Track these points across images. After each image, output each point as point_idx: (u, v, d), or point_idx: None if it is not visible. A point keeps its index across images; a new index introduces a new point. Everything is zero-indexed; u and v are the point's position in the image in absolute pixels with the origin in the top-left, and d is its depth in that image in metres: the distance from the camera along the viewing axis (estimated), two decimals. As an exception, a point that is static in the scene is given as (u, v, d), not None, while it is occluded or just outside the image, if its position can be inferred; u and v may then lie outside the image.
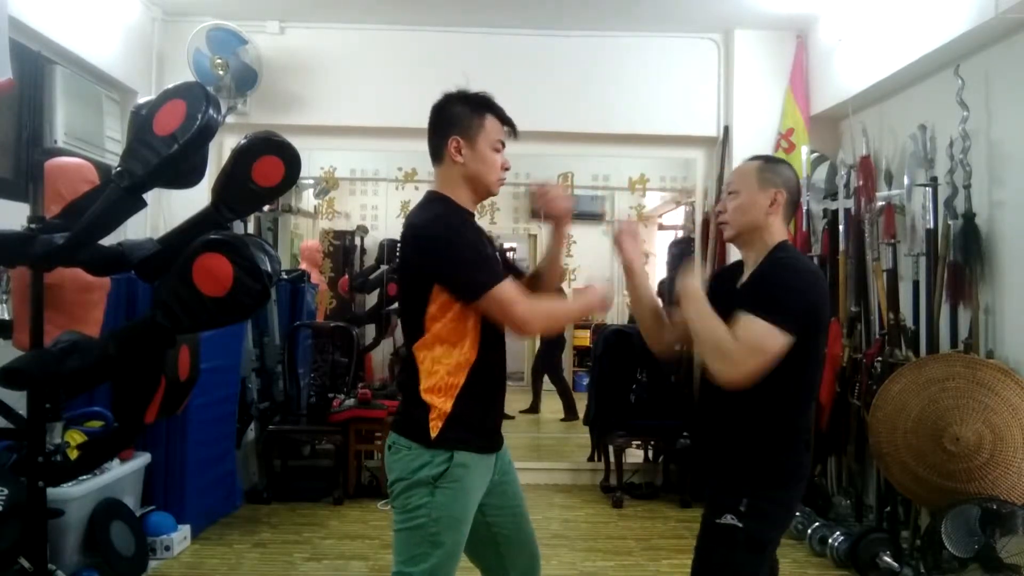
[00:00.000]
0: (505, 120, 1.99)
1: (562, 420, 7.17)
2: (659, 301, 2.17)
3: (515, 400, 7.16)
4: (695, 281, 1.90)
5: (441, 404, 1.86)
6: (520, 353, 8.08)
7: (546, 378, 7.61)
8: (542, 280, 2.15)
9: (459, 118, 1.94)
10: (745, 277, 1.97)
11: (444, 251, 1.84)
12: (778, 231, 1.94)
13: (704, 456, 2.07)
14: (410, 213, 1.97)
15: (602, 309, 2.09)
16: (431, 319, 1.87)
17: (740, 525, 1.81)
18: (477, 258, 1.86)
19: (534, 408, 7.65)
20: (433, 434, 1.85)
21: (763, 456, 1.87)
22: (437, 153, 1.97)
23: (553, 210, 2.09)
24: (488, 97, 1.98)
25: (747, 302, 1.80)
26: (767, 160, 2.02)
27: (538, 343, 7.64)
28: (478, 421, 1.91)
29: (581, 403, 6.33)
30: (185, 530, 3.80)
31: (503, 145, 1.98)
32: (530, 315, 1.87)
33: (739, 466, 1.88)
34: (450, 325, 1.86)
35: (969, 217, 3.41)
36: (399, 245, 2.01)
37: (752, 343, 1.75)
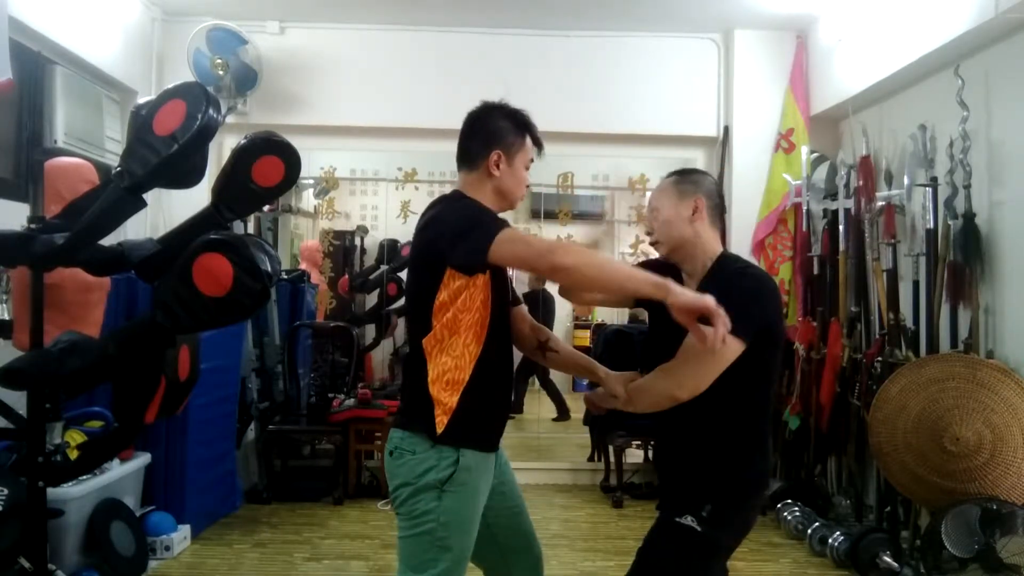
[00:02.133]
0: (537, 142, 2.03)
1: (554, 420, 7.17)
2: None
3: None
4: (618, 388, 1.95)
5: (447, 399, 1.84)
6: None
7: (534, 380, 7.58)
8: (552, 347, 2.13)
9: (504, 133, 1.96)
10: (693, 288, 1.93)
11: (457, 212, 1.85)
12: (710, 239, 1.95)
13: (663, 465, 2.09)
14: (436, 207, 1.95)
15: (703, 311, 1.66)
16: (440, 308, 1.84)
17: (699, 528, 1.82)
18: (483, 219, 1.83)
19: (517, 408, 7.62)
20: (439, 430, 1.83)
21: (725, 468, 1.88)
22: (473, 160, 1.97)
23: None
24: (528, 116, 2.01)
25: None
26: (681, 173, 2.04)
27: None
28: (484, 417, 1.90)
29: (580, 402, 6.32)
30: (185, 530, 3.80)
31: (531, 164, 2.03)
32: (551, 246, 1.77)
33: (700, 478, 1.89)
34: (459, 316, 1.84)
35: (969, 217, 3.41)
36: (412, 241, 2.00)
37: (691, 358, 1.77)
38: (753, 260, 3.41)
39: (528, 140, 2.00)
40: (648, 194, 5.53)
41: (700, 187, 1.97)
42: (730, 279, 1.87)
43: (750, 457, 1.90)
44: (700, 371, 1.77)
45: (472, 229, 1.79)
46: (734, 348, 1.76)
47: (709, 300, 1.64)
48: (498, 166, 1.94)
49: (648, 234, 2.03)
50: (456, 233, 1.80)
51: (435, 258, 1.84)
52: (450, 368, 1.85)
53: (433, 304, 1.85)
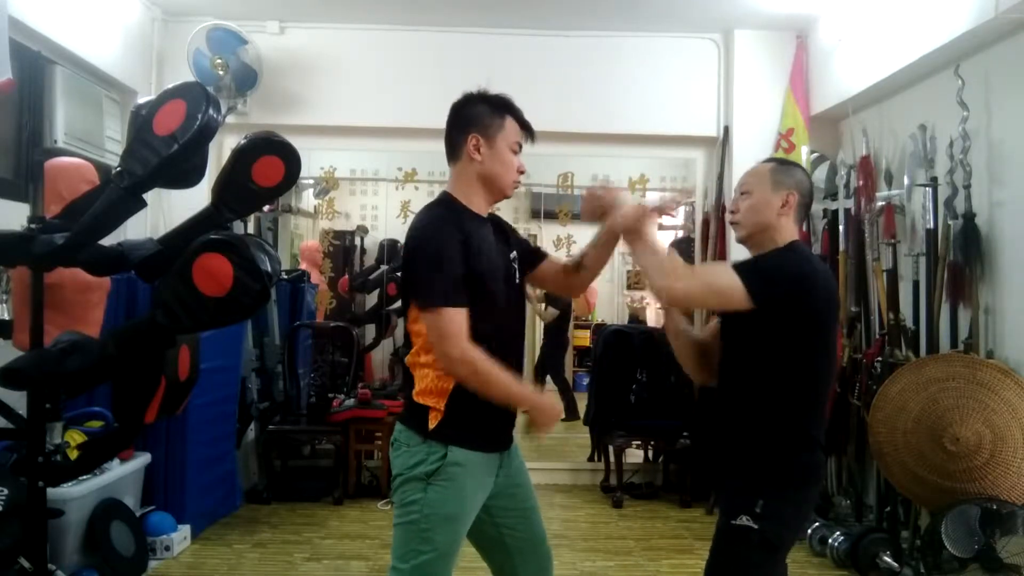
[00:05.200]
0: (523, 123, 1.99)
1: (563, 420, 7.18)
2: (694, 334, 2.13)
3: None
4: (649, 227, 1.92)
5: (436, 404, 1.87)
6: (523, 352, 8.05)
7: (548, 378, 7.60)
8: (585, 262, 2.12)
9: (479, 116, 1.94)
10: None
11: (418, 253, 1.86)
12: (789, 232, 1.95)
13: (715, 459, 2.09)
14: (415, 218, 1.96)
15: (543, 423, 1.91)
16: (413, 322, 1.90)
17: (755, 526, 1.82)
18: (444, 271, 1.81)
19: None
20: (430, 427, 1.86)
21: (775, 457, 1.87)
22: (454, 151, 1.97)
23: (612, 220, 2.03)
24: (508, 99, 1.98)
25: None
26: (780, 162, 2.05)
27: (540, 343, 7.63)
28: (478, 419, 1.90)
29: (581, 403, 6.33)
30: (185, 530, 3.80)
31: (520, 147, 1.99)
32: (462, 356, 1.79)
33: (752, 468, 1.89)
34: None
35: (969, 217, 3.41)
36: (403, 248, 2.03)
37: (704, 272, 1.78)
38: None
39: (509, 121, 1.95)
40: (649, 194, 5.54)
41: (796, 182, 1.97)
42: (779, 251, 1.89)
43: (801, 444, 1.89)
44: (694, 284, 1.81)
45: (434, 274, 1.81)
46: (737, 287, 1.77)
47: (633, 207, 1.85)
48: (478, 150, 1.93)
49: (732, 212, 2.02)
50: (421, 266, 1.84)
51: (404, 279, 1.90)
52: (432, 379, 1.88)
53: (407, 318, 1.92)
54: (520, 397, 1.90)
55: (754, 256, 1.95)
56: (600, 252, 2.10)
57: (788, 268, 1.85)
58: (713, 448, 2.14)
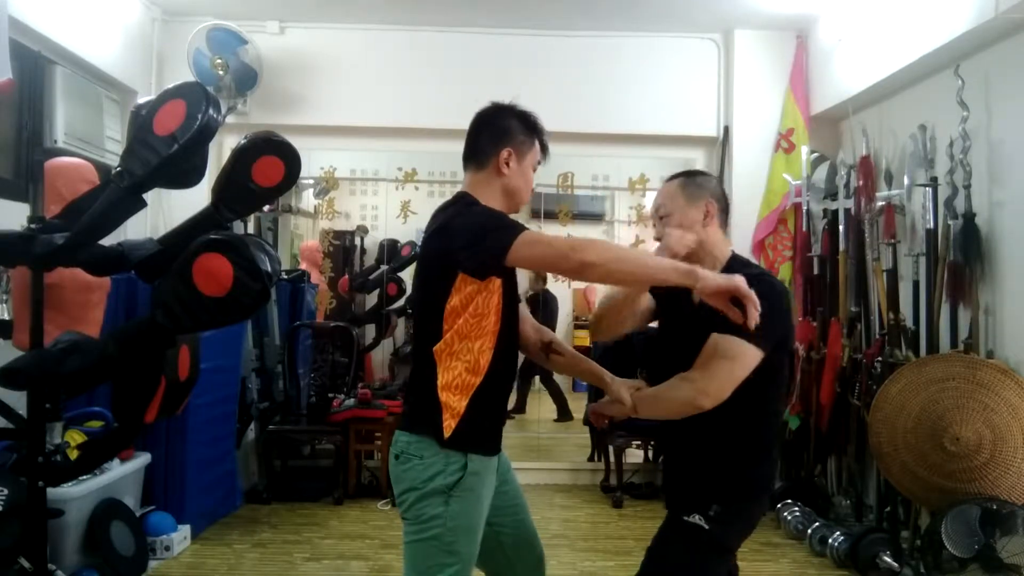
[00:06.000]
0: (544, 146, 2.03)
1: (556, 421, 7.17)
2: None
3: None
4: (624, 394, 1.91)
5: (456, 403, 1.83)
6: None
7: (536, 380, 7.58)
8: (557, 349, 2.12)
9: (515, 132, 1.96)
10: None
11: (470, 218, 1.82)
12: (721, 242, 1.96)
13: (671, 465, 2.09)
14: (446, 213, 1.91)
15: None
16: (451, 313, 1.83)
17: (706, 527, 1.84)
18: (501, 219, 1.83)
19: (520, 408, 7.62)
20: (447, 434, 1.82)
21: (732, 469, 1.89)
22: (482, 159, 1.95)
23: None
24: (537, 119, 2.01)
25: (719, 322, 1.75)
26: (687, 175, 2.02)
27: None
28: (489, 422, 1.91)
29: (581, 403, 6.32)
30: (185, 530, 3.80)
31: (538, 167, 2.03)
32: (572, 245, 1.74)
33: (708, 476, 1.91)
34: (471, 321, 1.83)
35: (969, 217, 3.41)
36: (421, 245, 1.99)
37: (721, 364, 1.76)
38: (753, 260, 3.41)
39: (537, 143, 2.00)
40: (648, 194, 5.54)
41: (709, 190, 1.96)
42: (765, 291, 1.80)
43: (756, 459, 1.91)
44: (723, 379, 1.76)
45: (489, 232, 1.77)
46: (755, 356, 1.76)
47: (739, 281, 1.64)
48: (508, 164, 1.94)
49: (657, 240, 2.00)
50: (472, 237, 1.78)
51: (446, 264, 1.83)
52: (461, 372, 1.85)
53: (444, 310, 1.83)
54: (680, 270, 1.70)
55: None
56: (572, 368, 2.14)
57: (776, 308, 1.81)
58: (672, 455, 2.13)
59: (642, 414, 1.92)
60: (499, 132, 1.95)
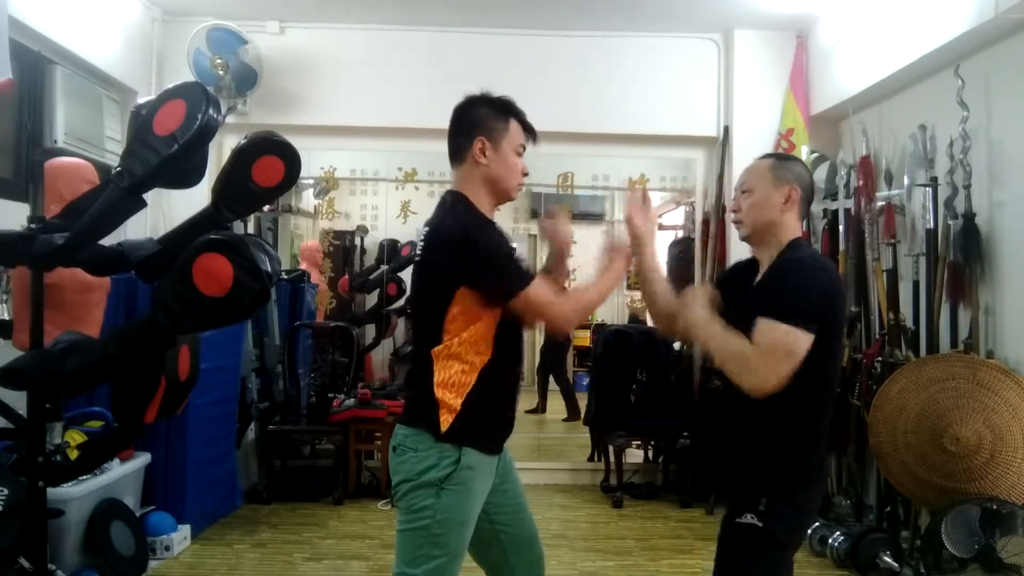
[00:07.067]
0: (526, 126, 2.00)
1: (564, 420, 7.18)
2: (666, 279, 2.12)
3: (520, 400, 7.16)
4: (697, 309, 1.89)
5: (452, 400, 1.86)
6: (524, 353, 8.05)
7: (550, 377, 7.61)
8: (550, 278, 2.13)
9: (484, 119, 1.95)
10: (760, 275, 1.96)
11: (473, 253, 1.84)
12: (792, 228, 1.94)
13: (721, 457, 2.08)
14: (435, 215, 1.96)
15: (628, 267, 2.06)
16: (452, 320, 1.86)
17: (760, 524, 1.80)
18: (506, 260, 1.87)
19: (540, 408, 7.66)
20: (443, 428, 1.84)
21: (781, 457, 1.87)
22: (459, 153, 1.97)
23: (556, 243, 2.14)
24: (512, 101, 1.99)
25: (763, 306, 1.79)
26: (779, 157, 2.04)
27: (541, 343, 7.63)
28: (486, 421, 1.91)
29: (581, 403, 6.33)
30: (185, 530, 3.80)
31: (523, 150, 2.00)
32: (566, 312, 1.93)
33: (758, 467, 1.88)
34: (469, 328, 1.87)
35: (969, 217, 3.41)
36: (418, 247, 1.99)
37: (776, 349, 1.74)
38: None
39: (513, 124, 1.97)
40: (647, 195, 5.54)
41: (797, 177, 1.95)
42: (783, 272, 1.87)
43: (802, 448, 1.88)
44: (778, 366, 1.74)
45: (503, 267, 1.85)
46: (805, 342, 1.75)
47: (632, 219, 2.02)
48: (484, 153, 1.93)
49: (734, 211, 2.02)
50: (486, 264, 1.84)
51: (449, 276, 1.86)
52: (457, 372, 1.87)
53: (444, 317, 1.86)
54: (615, 279, 2.04)
55: (768, 286, 1.89)
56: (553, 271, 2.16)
57: (813, 287, 1.82)
58: (717, 447, 2.12)
59: (697, 339, 1.97)
60: (469, 123, 1.96)
